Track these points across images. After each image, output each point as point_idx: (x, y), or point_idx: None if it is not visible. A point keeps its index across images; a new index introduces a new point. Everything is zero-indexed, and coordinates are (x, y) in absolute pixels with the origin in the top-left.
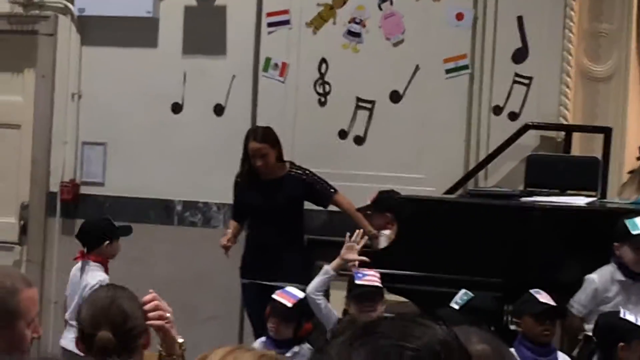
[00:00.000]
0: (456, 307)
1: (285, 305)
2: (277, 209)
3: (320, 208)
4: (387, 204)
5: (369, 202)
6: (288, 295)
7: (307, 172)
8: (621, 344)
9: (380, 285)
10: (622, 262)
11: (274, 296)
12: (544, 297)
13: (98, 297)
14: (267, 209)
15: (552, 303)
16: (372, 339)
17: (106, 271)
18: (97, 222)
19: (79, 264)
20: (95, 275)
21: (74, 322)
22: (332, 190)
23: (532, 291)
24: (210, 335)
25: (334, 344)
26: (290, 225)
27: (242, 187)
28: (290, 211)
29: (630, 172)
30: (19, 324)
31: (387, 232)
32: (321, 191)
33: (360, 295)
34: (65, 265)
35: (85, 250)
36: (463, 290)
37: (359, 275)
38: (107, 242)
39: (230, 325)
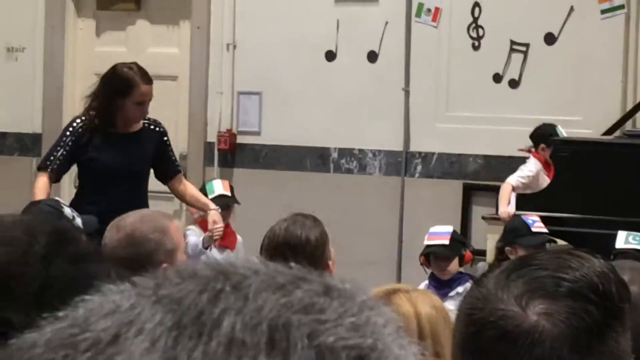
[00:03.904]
0: None
1: (443, 245)
2: (136, 171)
3: (475, 152)
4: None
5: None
6: (438, 235)
7: (162, 126)
8: None
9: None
10: None
11: (427, 242)
12: None
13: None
14: (125, 170)
15: None
16: (528, 271)
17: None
18: (547, 128)
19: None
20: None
21: None
22: (179, 166)
23: None
24: (369, 280)
25: (491, 277)
26: (144, 189)
27: (91, 139)
28: (146, 172)
29: None
30: (178, 255)
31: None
32: (171, 159)
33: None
34: None
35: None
36: (633, 233)
37: (530, 222)
38: (548, 147)
39: (389, 269)
